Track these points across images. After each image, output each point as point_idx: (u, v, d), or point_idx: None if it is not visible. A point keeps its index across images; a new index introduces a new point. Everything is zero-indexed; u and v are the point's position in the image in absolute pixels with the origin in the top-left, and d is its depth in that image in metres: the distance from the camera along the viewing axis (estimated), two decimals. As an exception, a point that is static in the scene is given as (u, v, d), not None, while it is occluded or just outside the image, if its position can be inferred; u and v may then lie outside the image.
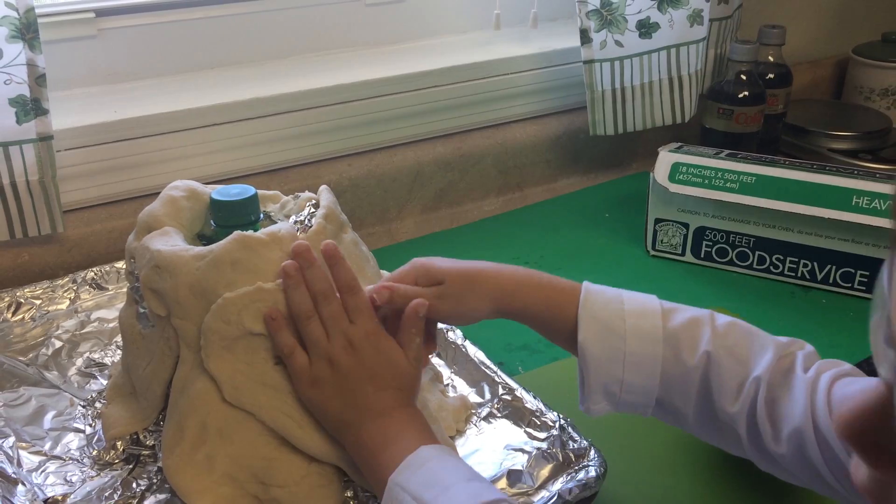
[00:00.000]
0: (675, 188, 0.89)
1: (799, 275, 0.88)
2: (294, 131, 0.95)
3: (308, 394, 0.54)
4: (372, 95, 0.98)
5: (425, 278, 0.59)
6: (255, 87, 0.93)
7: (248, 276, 0.55)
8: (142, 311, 0.60)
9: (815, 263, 0.87)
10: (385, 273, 0.74)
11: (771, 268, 0.89)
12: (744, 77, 1.05)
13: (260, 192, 0.66)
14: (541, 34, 1.09)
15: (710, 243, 0.92)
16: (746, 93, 1.05)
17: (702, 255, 0.93)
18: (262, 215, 0.63)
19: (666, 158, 0.91)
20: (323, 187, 0.64)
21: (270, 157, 0.94)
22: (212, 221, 0.61)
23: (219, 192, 0.61)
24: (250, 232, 0.57)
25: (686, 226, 0.92)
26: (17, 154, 0.76)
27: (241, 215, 0.60)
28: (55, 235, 0.84)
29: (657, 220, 0.94)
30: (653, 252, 0.96)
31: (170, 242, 0.58)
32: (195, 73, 0.96)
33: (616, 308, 0.56)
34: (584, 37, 0.98)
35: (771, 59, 1.13)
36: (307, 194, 0.65)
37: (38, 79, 0.74)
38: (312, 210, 0.61)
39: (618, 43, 0.98)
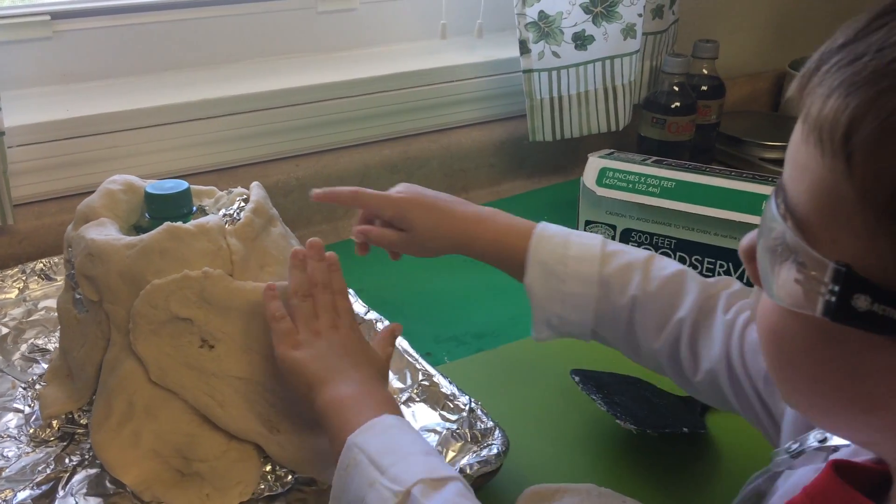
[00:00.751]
0: (601, 192, 0.94)
1: (716, 274, 0.93)
2: (244, 132, 0.99)
3: (289, 354, 0.57)
4: (320, 99, 1.02)
5: (400, 221, 0.68)
6: (207, 89, 0.97)
7: (176, 264, 0.59)
8: (77, 296, 0.64)
9: (730, 264, 0.92)
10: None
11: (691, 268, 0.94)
12: (676, 88, 1.11)
13: (196, 187, 0.71)
14: (486, 44, 1.14)
15: (636, 244, 0.97)
16: (678, 103, 1.11)
17: (629, 256, 0.98)
18: (194, 209, 0.67)
19: (594, 164, 0.96)
20: (254, 183, 0.68)
21: (220, 156, 0.98)
22: (146, 214, 0.65)
23: (153, 186, 0.65)
24: (179, 223, 0.61)
25: (614, 227, 0.97)
26: (-32, 148, 0.80)
27: (174, 208, 0.64)
28: (6, 227, 0.87)
29: (587, 222, 0.99)
30: (584, 253, 1.00)
31: (104, 232, 0.62)
32: (149, 75, 1.00)
33: (561, 253, 0.62)
34: (524, 47, 1.03)
35: (705, 71, 1.19)
36: (239, 189, 0.69)
37: (-11, 77, 0.78)
38: (242, 204, 0.66)
39: (555, 54, 1.03)
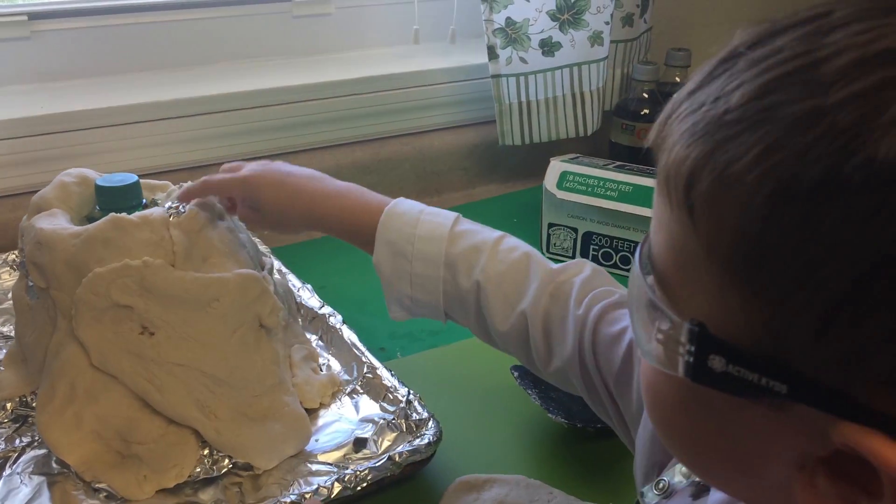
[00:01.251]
0: (561, 195, 0.96)
1: (674, 279, 0.95)
2: (217, 131, 1.01)
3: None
4: (294, 100, 1.04)
5: (251, 200, 0.68)
6: (182, 90, 1.00)
7: (118, 253, 0.62)
8: (30, 284, 0.67)
9: (687, 268, 0.93)
10: (271, 260, 0.80)
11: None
12: (646, 95, 1.12)
13: (149, 181, 0.73)
14: (459, 49, 1.16)
15: (597, 247, 0.98)
16: (648, 110, 1.12)
17: (590, 258, 0.99)
18: (144, 201, 0.69)
19: (556, 167, 0.98)
20: (204, 177, 0.70)
21: (193, 154, 1.01)
22: (97, 206, 0.68)
23: (104, 179, 0.67)
24: (123, 214, 0.63)
25: (575, 230, 0.99)
26: (-59, 142, 0.83)
27: (122, 200, 0.67)
28: (-20, 220, 0.90)
29: (550, 225, 1.01)
30: (547, 254, 1.02)
31: (53, 222, 0.64)
32: (124, 75, 1.03)
33: (409, 232, 0.62)
34: (492, 53, 1.05)
35: (678, 79, 1.20)
36: (188, 183, 0.71)
37: (-39, 74, 0.81)
38: (188, 198, 0.68)
39: (522, 59, 1.05)
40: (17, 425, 0.68)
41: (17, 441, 0.66)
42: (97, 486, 0.61)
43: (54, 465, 0.63)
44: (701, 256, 0.29)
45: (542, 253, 1.02)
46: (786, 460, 0.30)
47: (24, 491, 0.61)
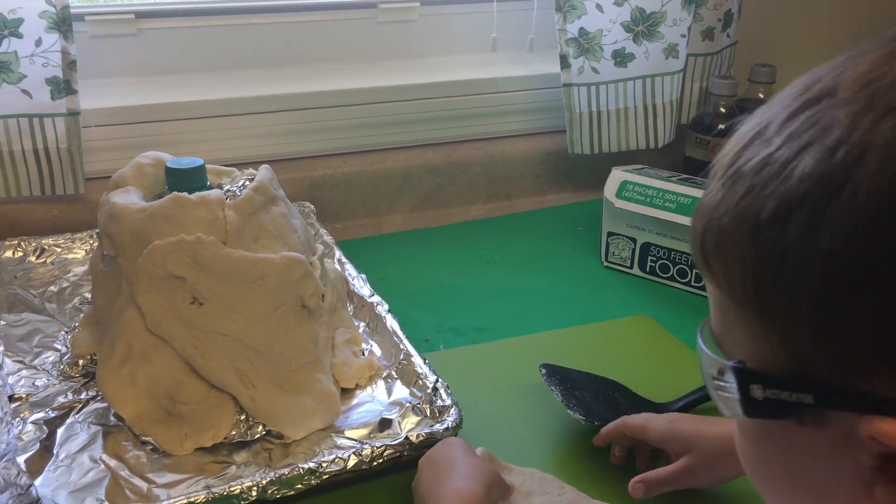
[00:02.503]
0: (619, 204, 0.97)
1: (731, 295, 0.93)
2: (297, 127, 1.08)
3: None
4: (372, 101, 1.10)
5: (678, 445, 0.63)
6: (267, 87, 1.07)
7: (177, 228, 0.68)
8: (104, 252, 0.74)
9: (744, 285, 0.92)
10: (322, 248, 0.85)
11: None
12: (723, 110, 1.11)
13: (217, 167, 0.79)
14: (536, 58, 1.18)
15: (655, 258, 0.98)
16: (723, 125, 1.11)
17: (647, 269, 0.99)
18: (208, 184, 0.75)
19: (616, 176, 0.98)
20: (263, 166, 0.76)
21: (273, 148, 1.08)
22: (166, 186, 0.74)
23: (173, 161, 0.74)
24: (185, 193, 0.69)
25: (634, 240, 0.99)
26: (49, 125, 0.92)
27: (189, 182, 0.73)
28: (80, 196, 1.00)
29: (609, 234, 1.01)
30: (605, 263, 1.03)
31: (126, 198, 0.71)
32: (220, 72, 1.11)
33: None
34: (564, 62, 1.07)
35: (761, 95, 1.18)
36: (250, 170, 0.77)
37: (70, 64, 0.90)
38: (247, 183, 0.74)
39: (594, 70, 1.07)
40: (86, 380, 0.75)
41: (84, 394, 0.73)
42: (144, 439, 0.68)
43: (112, 418, 0.70)
44: (728, 304, 0.35)
45: (602, 262, 1.03)
46: (849, 479, 0.32)
47: (82, 437, 0.68)
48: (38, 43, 0.88)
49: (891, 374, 0.30)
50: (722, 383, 0.35)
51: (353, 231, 1.12)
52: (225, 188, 0.73)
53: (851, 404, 0.31)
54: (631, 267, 1.00)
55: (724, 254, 0.34)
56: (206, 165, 0.75)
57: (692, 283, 0.96)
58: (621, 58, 1.06)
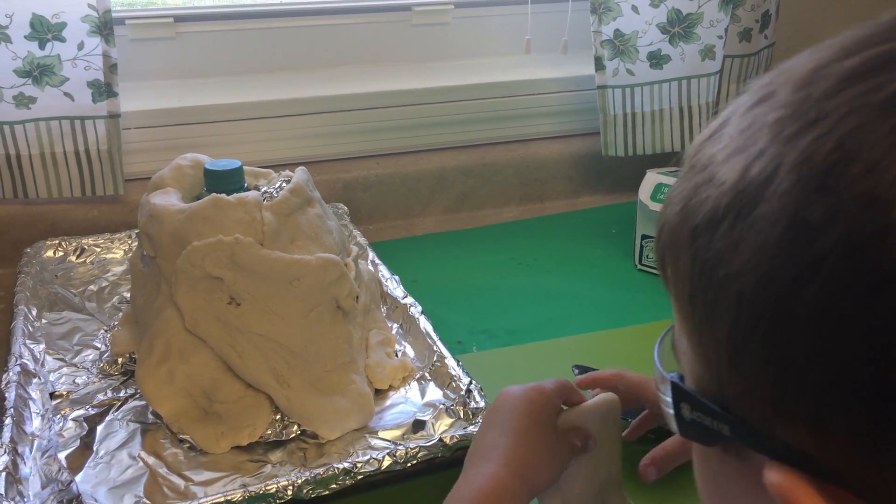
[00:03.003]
0: (654, 206, 0.96)
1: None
2: (331, 129, 1.09)
3: None
4: (405, 103, 1.10)
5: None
6: (302, 89, 1.08)
7: (215, 229, 0.68)
8: (143, 253, 0.75)
9: (781, 289, 0.91)
10: (357, 249, 0.85)
11: None
12: (760, 112, 1.10)
13: (254, 168, 0.80)
14: (570, 60, 1.18)
15: (690, 262, 0.97)
16: (760, 127, 1.09)
17: (682, 273, 0.98)
18: (246, 185, 0.76)
19: (651, 179, 0.98)
20: (300, 168, 0.77)
21: (307, 150, 1.09)
22: (205, 187, 0.75)
23: (212, 163, 0.75)
24: (223, 195, 0.70)
25: (669, 244, 0.98)
26: (90, 127, 0.94)
27: (227, 183, 0.74)
28: (120, 197, 1.01)
29: (643, 237, 1.00)
30: (639, 266, 1.02)
31: (166, 199, 0.72)
32: (256, 75, 1.12)
33: None
34: (599, 64, 1.06)
35: (799, 97, 1.16)
36: (287, 172, 0.78)
37: (111, 67, 0.92)
38: (283, 184, 0.74)
39: (629, 71, 1.06)
40: (125, 378, 0.76)
41: (123, 392, 0.74)
42: (182, 437, 0.68)
43: (150, 416, 0.71)
44: (677, 311, 0.32)
45: (635, 265, 1.02)
46: None
47: (121, 435, 0.69)
48: (81, 46, 0.90)
49: (787, 423, 0.27)
50: (661, 395, 0.34)
51: (385, 232, 1.12)
52: (262, 190, 0.73)
53: (758, 445, 0.28)
54: (665, 270, 0.99)
55: (673, 254, 0.31)
56: (244, 167, 0.76)
57: (728, 287, 0.95)
58: (657, 59, 1.05)
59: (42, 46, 0.88)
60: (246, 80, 1.10)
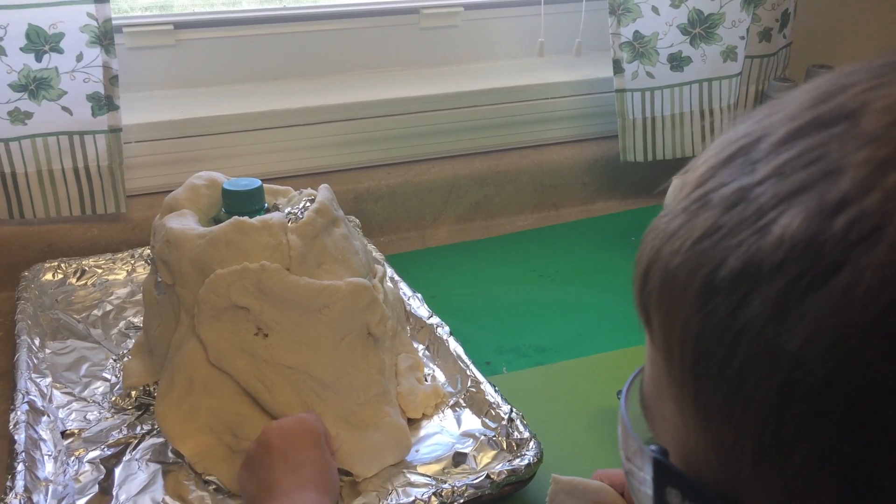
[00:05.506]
0: (683, 215, 0.92)
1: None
2: (340, 139, 1.04)
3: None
4: (416, 111, 1.06)
5: None
6: (309, 98, 1.03)
7: (239, 255, 0.64)
8: (158, 279, 0.71)
9: (817, 299, 0.88)
10: (384, 268, 0.81)
11: None
12: (781, 114, 1.07)
13: (272, 186, 0.76)
14: (584, 63, 1.14)
15: (719, 272, 0.94)
16: (782, 129, 1.07)
17: (711, 283, 0.95)
18: (266, 206, 0.72)
19: (677, 185, 0.94)
20: (323, 186, 0.72)
21: (317, 161, 1.04)
22: (223, 208, 0.71)
23: (230, 182, 0.70)
24: (246, 218, 0.66)
25: (696, 253, 0.95)
26: (90, 142, 0.89)
27: (247, 204, 0.69)
28: (121, 215, 0.96)
29: (670, 246, 0.97)
30: (665, 276, 0.99)
31: (182, 222, 0.68)
32: (260, 83, 1.08)
33: None
34: (617, 67, 1.03)
35: (818, 97, 1.14)
36: (309, 191, 0.73)
37: (111, 79, 0.87)
38: (308, 204, 0.70)
39: (649, 74, 1.02)
40: (140, 413, 0.72)
41: (139, 428, 0.70)
42: (207, 478, 0.64)
43: (170, 454, 0.67)
44: (663, 369, 0.26)
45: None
46: None
47: (141, 477, 0.64)
48: (80, 58, 0.85)
49: None
50: (635, 469, 0.28)
51: (398, 245, 1.08)
52: (286, 210, 0.69)
53: None
54: (693, 280, 0.96)
55: (667, 305, 0.25)
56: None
57: (760, 297, 0.92)
58: (677, 61, 1.02)
59: (39, 59, 0.83)
60: (250, 89, 1.06)
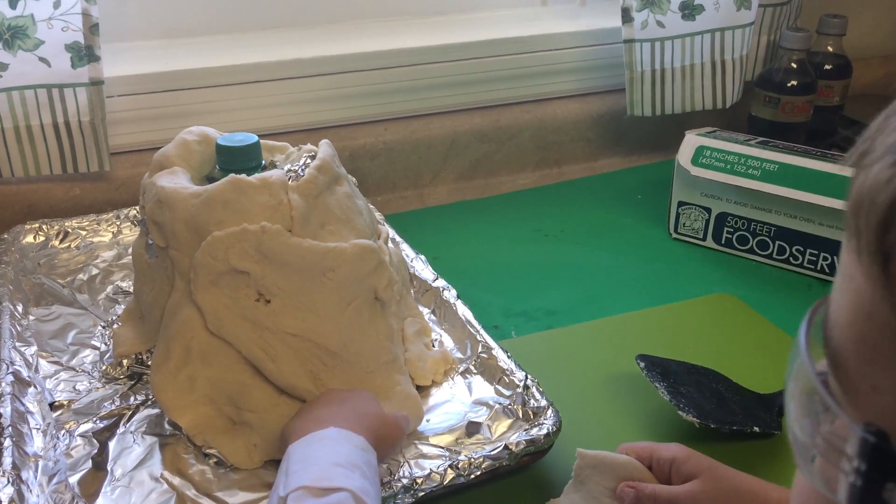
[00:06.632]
0: (696, 171, 0.89)
1: (818, 268, 0.86)
2: (334, 93, 0.99)
3: None
4: (413, 63, 1.01)
5: (678, 474, 0.54)
6: (302, 49, 0.98)
7: (237, 216, 0.60)
8: (149, 242, 0.66)
9: (835, 257, 0.85)
10: (387, 229, 0.77)
11: (790, 258, 0.88)
12: (794, 65, 1.03)
13: (269, 142, 0.71)
14: (590, 12, 1.09)
15: (732, 230, 0.91)
16: (795, 82, 1.03)
17: (723, 241, 0.92)
18: (263, 163, 0.67)
19: (691, 141, 0.90)
20: (324, 141, 0.68)
21: (310, 116, 0.99)
22: (217, 165, 0.66)
23: (224, 138, 0.66)
24: (243, 176, 0.61)
25: (708, 210, 0.92)
26: (70, 96, 0.84)
27: (242, 161, 0.65)
28: (105, 174, 0.91)
29: (680, 204, 0.94)
30: (674, 235, 0.95)
31: (174, 181, 0.63)
32: (251, 33, 1.02)
33: None
34: (626, 16, 0.98)
35: (830, 49, 1.10)
36: (308, 146, 0.69)
37: (91, 27, 0.81)
38: (308, 161, 0.65)
39: (659, 23, 0.98)
40: (133, 382, 0.68)
41: (132, 399, 0.66)
42: (208, 451, 0.61)
43: (167, 426, 0.63)
44: (891, 324, 0.22)
45: (669, 234, 0.96)
46: None
47: (137, 451, 0.61)
48: (57, 5, 0.79)
49: None
50: (826, 443, 0.24)
51: (396, 204, 1.04)
52: (285, 168, 0.64)
53: None
54: (704, 239, 0.93)
55: None
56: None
57: (774, 256, 0.89)
58: (689, 10, 0.97)
59: (13, 5, 0.77)
60: (241, 40, 1.00)
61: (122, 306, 0.77)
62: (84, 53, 0.82)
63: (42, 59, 0.81)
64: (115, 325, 0.73)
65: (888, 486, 0.21)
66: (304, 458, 0.50)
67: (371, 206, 0.90)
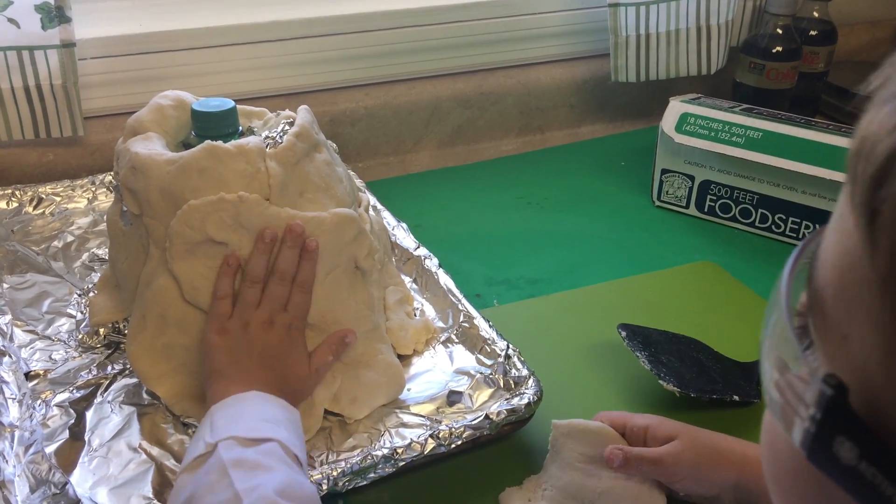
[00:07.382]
0: (680, 139, 0.88)
1: (801, 236, 0.86)
2: (314, 56, 0.97)
3: (211, 337, 0.57)
4: (394, 26, 0.99)
5: (654, 439, 0.55)
6: (280, 11, 0.95)
7: (213, 184, 0.58)
8: (124, 209, 0.65)
9: (818, 226, 0.85)
10: (367, 196, 0.76)
11: (773, 227, 0.88)
12: (779, 31, 1.02)
13: (246, 107, 0.69)
14: (574, -26, 1.07)
15: (715, 198, 0.90)
16: (780, 48, 1.02)
17: (705, 209, 0.92)
18: (240, 129, 0.66)
19: (675, 108, 0.90)
20: (302, 107, 0.66)
21: (288, 80, 0.97)
22: (192, 131, 0.65)
23: (200, 103, 0.64)
24: (220, 143, 0.60)
25: (692, 178, 0.91)
26: (41, 58, 0.81)
27: (219, 127, 0.63)
28: (79, 139, 0.89)
29: (664, 171, 0.93)
30: (658, 203, 0.95)
31: (149, 147, 0.62)
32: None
33: None
34: (611, -21, 0.96)
35: (816, 14, 1.09)
36: (287, 112, 0.67)
37: (61, -13, 0.79)
38: (287, 127, 0.64)
39: (645, -13, 0.96)
40: (110, 352, 0.67)
41: (109, 368, 0.65)
42: (186, 420, 0.60)
43: (145, 395, 0.62)
44: (873, 286, 0.21)
45: (653, 202, 0.95)
46: None
47: (115, 420, 0.60)
48: (25, -38, 0.76)
49: None
50: (786, 384, 0.23)
51: (377, 171, 1.02)
52: (263, 135, 0.63)
53: None
54: (687, 207, 0.93)
55: None
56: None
57: (756, 224, 0.89)
58: (675, -26, 0.96)
59: (-22, -38, 0.75)
60: (218, 1, 0.97)
61: (98, 274, 0.76)
62: (55, 14, 0.79)
63: (11, 20, 0.78)
64: (91, 294, 0.72)
65: (838, 439, 0.21)
66: (229, 415, 0.51)
67: (352, 173, 0.89)
